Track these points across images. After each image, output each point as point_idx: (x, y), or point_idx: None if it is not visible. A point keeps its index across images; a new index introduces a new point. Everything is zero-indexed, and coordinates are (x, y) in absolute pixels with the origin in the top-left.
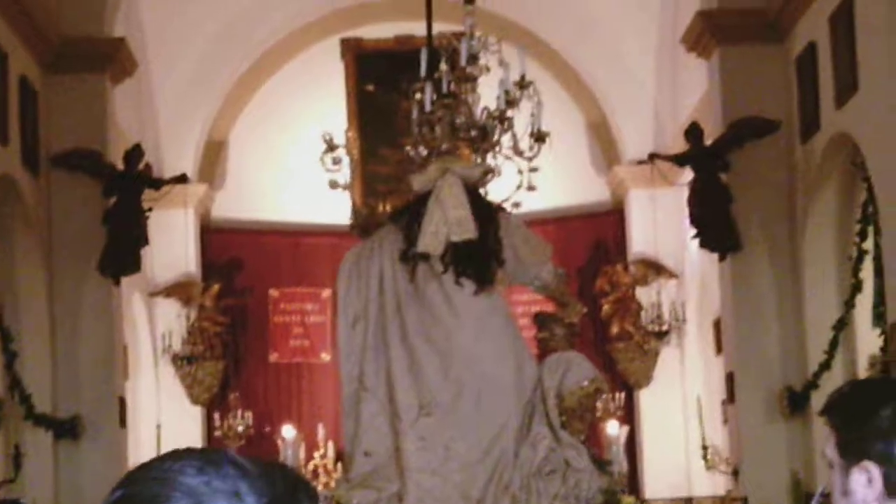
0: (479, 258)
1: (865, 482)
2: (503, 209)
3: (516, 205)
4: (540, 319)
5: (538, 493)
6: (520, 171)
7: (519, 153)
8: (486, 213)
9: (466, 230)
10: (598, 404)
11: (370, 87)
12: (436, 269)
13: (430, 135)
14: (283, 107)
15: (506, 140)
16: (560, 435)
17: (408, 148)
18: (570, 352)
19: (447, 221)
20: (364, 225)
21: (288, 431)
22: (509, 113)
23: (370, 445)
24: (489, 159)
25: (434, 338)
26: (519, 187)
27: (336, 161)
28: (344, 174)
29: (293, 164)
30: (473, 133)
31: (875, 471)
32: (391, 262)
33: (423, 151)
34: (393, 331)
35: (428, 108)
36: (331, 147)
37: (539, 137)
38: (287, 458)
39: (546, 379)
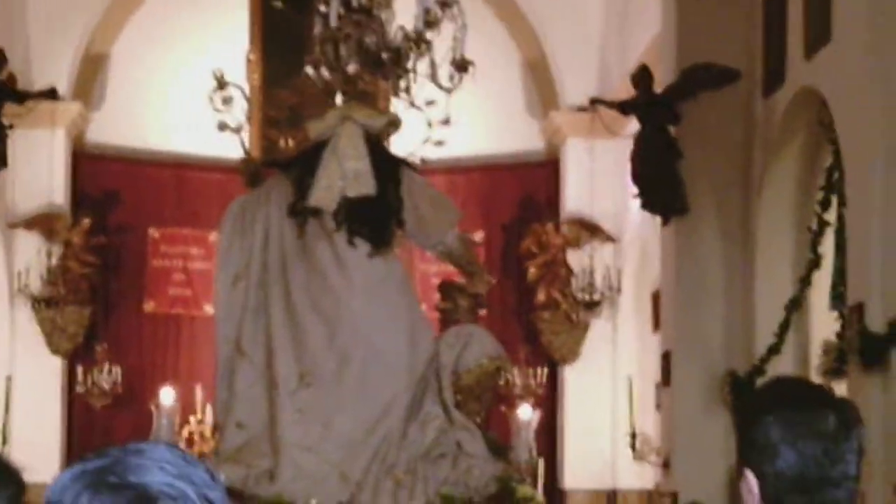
0: (376, 217)
1: (746, 490)
2: (408, 164)
3: (423, 160)
4: (444, 289)
5: (425, 477)
6: (429, 124)
7: (437, 83)
8: (388, 168)
9: (364, 185)
10: (517, 380)
11: (278, 3)
12: (328, 227)
13: (334, 55)
14: (175, 20)
15: (422, 68)
16: (453, 416)
17: (308, 68)
18: (472, 325)
19: (343, 174)
20: (254, 173)
21: (166, 396)
22: (428, 35)
23: (244, 416)
24: (401, 87)
25: (320, 302)
26: (426, 141)
27: (227, 101)
28: (235, 115)
29: (184, 87)
30: (385, 56)
31: (752, 480)
32: (279, 216)
33: (326, 73)
34: (276, 292)
35: (334, 23)
36: (221, 84)
37: (461, 66)
38: (161, 429)
39: (443, 353)
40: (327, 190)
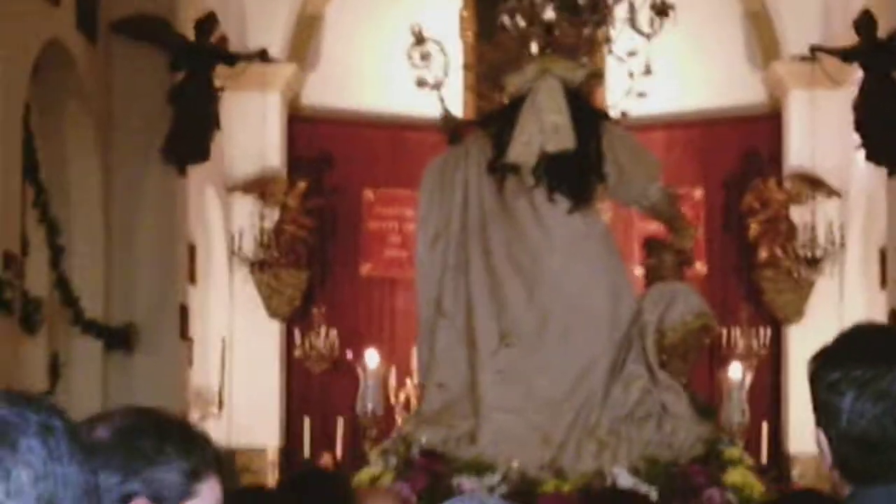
0: (576, 172)
1: (820, 450)
2: (609, 117)
3: (623, 114)
4: (649, 245)
5: (629, 439)
6: (630, 75)
7: (636, 28)
8: (588, 121)
9: (563, 139)
10: (739, 341)
11: None
12: (527, 183)
13: (529, 2)
14: None
15: (620, 12)
16: (658, 375)
17: (503, 17)
18: (677, 282)
19: (542, 129)
20: (454, 130)
21: (371, 358)
22: None
23: (444, 377)
24: (601, 37)
25: (520, 260)
26: (628, 93)
27: (424, 56)
28: (434, 71)
29: (399, 46)
30: (581, 1)
31: (823, 440)
32: (478, 173)
33: (522, 22)
34: (475, 251)
35: None
36: (419, 40)
37: (661, 10)
38: (368, 391)
39: (647, 311)
40: (526, 145)
